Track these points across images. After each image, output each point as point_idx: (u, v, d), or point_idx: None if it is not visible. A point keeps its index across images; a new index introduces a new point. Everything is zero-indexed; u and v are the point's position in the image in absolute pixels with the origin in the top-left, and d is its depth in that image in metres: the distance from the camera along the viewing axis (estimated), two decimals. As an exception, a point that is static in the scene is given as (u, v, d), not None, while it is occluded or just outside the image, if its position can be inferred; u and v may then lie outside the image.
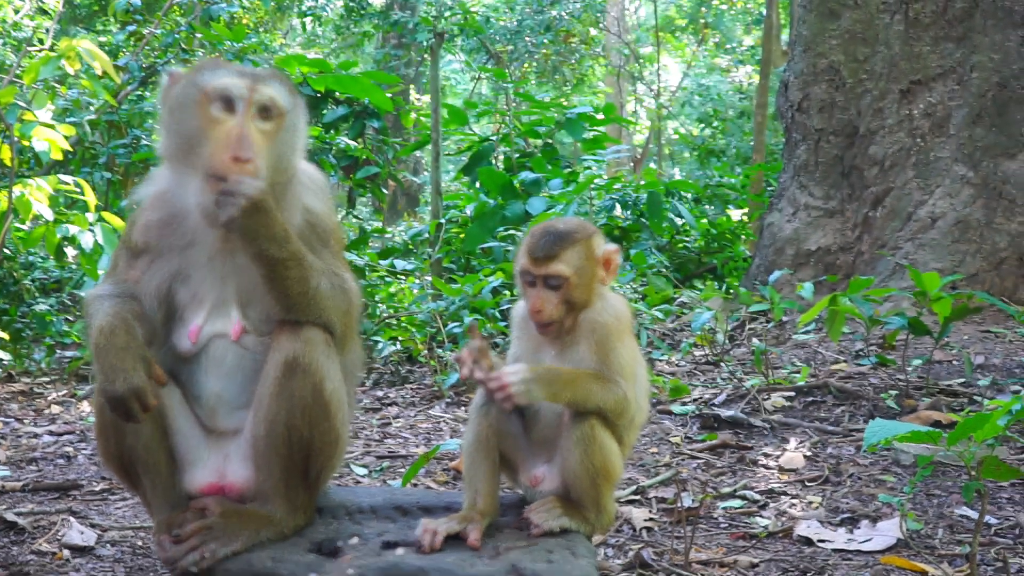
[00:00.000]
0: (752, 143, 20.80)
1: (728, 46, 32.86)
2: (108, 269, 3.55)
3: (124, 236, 3.45)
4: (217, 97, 3.16)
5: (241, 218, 3.05)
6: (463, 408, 7.21)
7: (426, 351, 8.57)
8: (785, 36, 20.99)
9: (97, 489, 5.39)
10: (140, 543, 4.49)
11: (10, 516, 4.67)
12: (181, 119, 3.23)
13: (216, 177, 3.10)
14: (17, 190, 7.99)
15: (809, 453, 5.59)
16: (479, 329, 3.33)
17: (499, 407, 3.31)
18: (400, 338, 8.78)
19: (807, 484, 5.16)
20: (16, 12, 21.33)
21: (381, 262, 11.81)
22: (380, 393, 7.86)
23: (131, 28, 16.31)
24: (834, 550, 4.26)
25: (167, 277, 3.33)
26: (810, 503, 4.85)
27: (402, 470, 5.67)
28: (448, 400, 7.47)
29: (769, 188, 15.28)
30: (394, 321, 9.08)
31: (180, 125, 3.23)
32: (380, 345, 8.72)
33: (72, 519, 4.68)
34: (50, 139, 8.22)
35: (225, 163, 3.10)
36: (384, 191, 15.70)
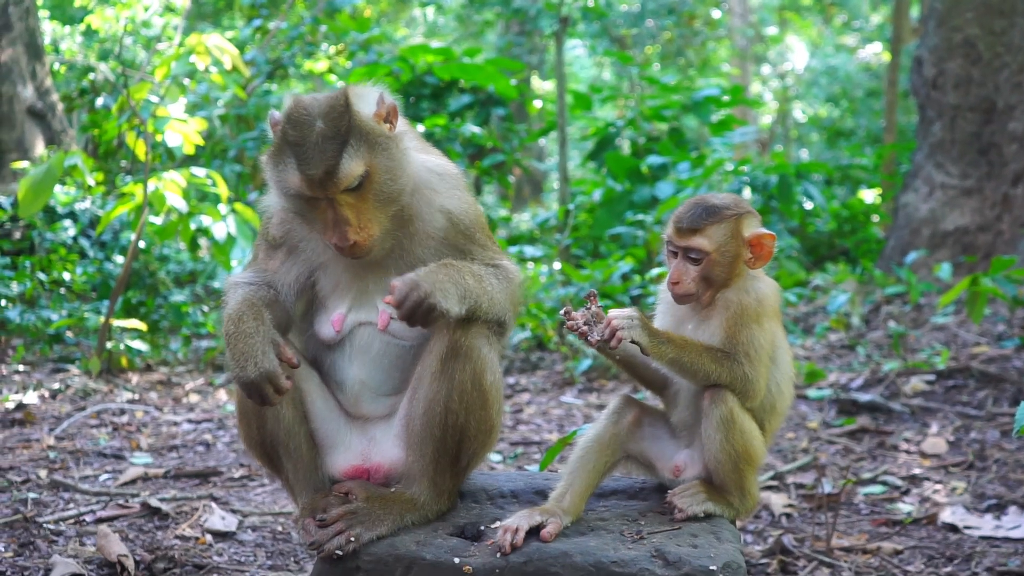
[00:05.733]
0: (882, 123, 20.40)
1: (855, 24, 32.26)
2: (248, 260, 3.59)
3: (262, 229, 3.49)
4: (299, 197, 3.16)
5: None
6: (595, 394, 7.20)
7: (556, 338, 8.57)
8: (915, 12, 20.52)
9: (236, 476, 5.50)
10: (280, 528, 4.58)
11: (154, 502, 4.79)
12: (279, 196, 3.25)
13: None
14: (152, 184, 8.16)
15: (952, 438, 5.48)
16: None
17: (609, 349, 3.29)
18: (530, 325, 8.80)
19: (950, 470, 5.06)
20: (145, 10, 21.86)
21: (510, 249, 11.83)
22: (512, 380, 7.89)
23: (256, 23, 16.62)
24: (981, 537, 4.17)
25: (307, 267, 3.38)
26: (954, 489, 4.75)
27: (536, 456, 5.69)
28: (580, 386, 7.47)
29: (902, 168, 14.95)
30: (523, 308, 9.10)
31: (282, 201, 3.26)
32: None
33: (213, 504, 4.78)
34: (183, 133, 8.39)
35: (336, 248, 3.16)
36: (510, 178, 15.73)
